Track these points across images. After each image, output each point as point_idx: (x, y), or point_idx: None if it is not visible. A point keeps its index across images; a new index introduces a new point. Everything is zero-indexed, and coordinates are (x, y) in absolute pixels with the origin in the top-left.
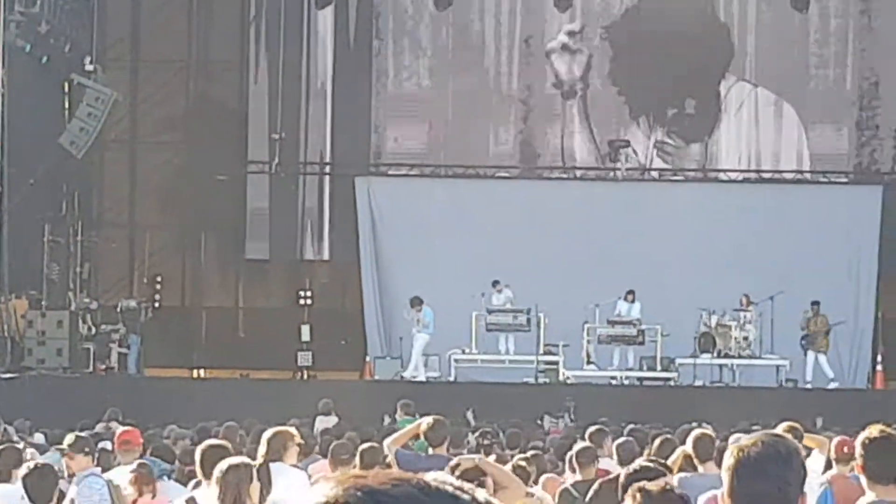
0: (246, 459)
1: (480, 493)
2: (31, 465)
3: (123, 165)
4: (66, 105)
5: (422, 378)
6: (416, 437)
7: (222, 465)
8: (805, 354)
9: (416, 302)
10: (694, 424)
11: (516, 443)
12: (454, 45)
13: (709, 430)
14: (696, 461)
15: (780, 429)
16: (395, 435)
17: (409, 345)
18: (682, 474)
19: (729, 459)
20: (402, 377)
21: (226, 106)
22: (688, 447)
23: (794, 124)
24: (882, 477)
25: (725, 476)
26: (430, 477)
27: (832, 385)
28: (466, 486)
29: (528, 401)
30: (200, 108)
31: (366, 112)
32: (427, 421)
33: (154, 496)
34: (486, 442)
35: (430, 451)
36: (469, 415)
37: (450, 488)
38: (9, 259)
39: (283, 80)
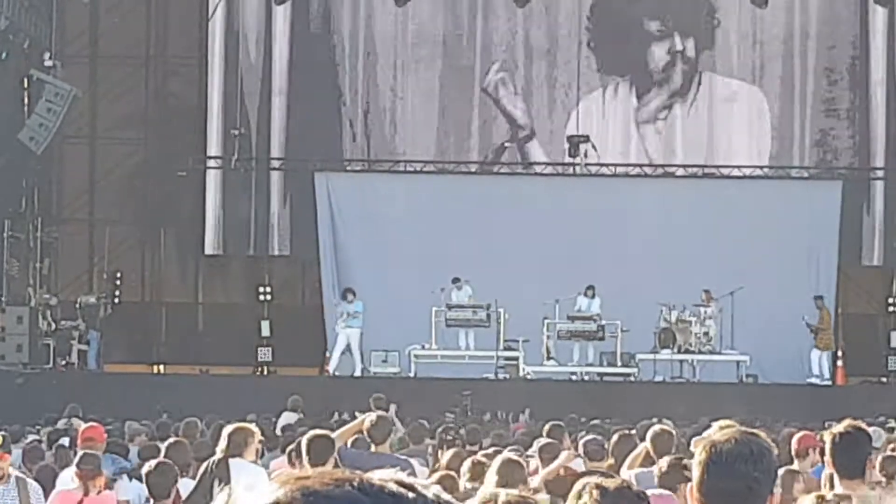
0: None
1: (432, 490)
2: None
3: (83, 161)
4: (26, 101)
5: (334, 369)
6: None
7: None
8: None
9: (350, 293)
10: (654, 420)
11: (476, 439)
12: (413, 39)
13: (668, 426)
14: (654, 457)
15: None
16: (338, 432)
17: (370, 340)
18: (641, 469)
19: (700, 455)
20: (362, 372)
21: (185, 101)
22: (647, 443)
23: (753, 119)
24: (849, 471)
25: (696, 471)
26: (375, 476)
27: (822, 382)
28: (417, 482)
29: (488, 396)
30: (160, 104)
31: (325, 107)
32: (370, 418)
33: (100, 492)
34: (447, 437)
35: (373, 448)
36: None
37: (394, 487)
38: None
39: (243, 75)
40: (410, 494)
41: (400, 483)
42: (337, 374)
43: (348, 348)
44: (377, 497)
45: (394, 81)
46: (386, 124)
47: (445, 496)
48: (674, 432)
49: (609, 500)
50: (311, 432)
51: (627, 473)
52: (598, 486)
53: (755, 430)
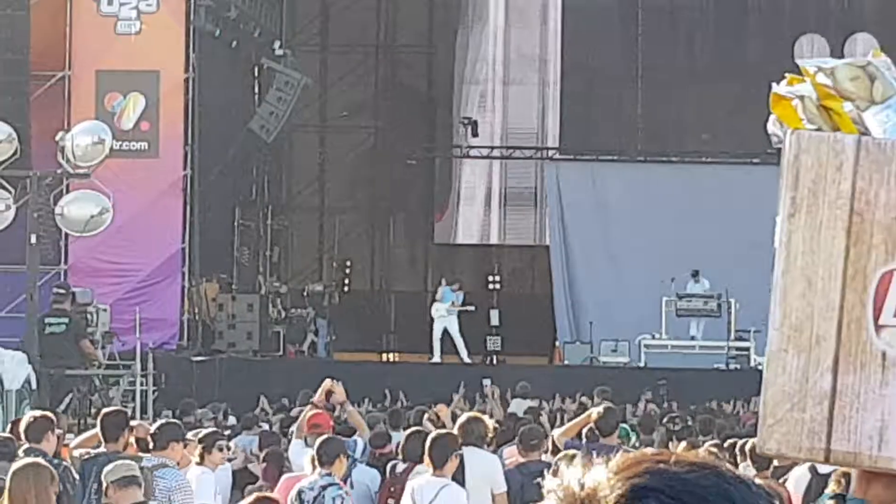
0: None
1: (778, 492)
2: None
3: (313, 150)
4: (256, 90)
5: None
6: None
7: None
8: None
9: (442, 283)
10: None
11: (709, 429)
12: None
13: None
14: None
15: None
16: (565, 426)
17: (600, 330)
18: None
19: None
20: (591, 362)
21: (415, 89)
22: None
23: None
24: None
25: None
26: (729, 468)
27: None
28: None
29: (719, 387)
30: (389, 92)
31: (551, 95)
32: (597, 410)
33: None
34: (675, 428)
35: (601, 440)
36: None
37: (752, 484)
38: (200, 243)
39: (470, 62)
40: (765, 494)
41: (753, 482)
42: (567, 362)
43: (447, 335)
44: (744, 493)
45: (625, 66)
46: (612, 112)
47: None
48: None
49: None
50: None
51: None
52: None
53: None
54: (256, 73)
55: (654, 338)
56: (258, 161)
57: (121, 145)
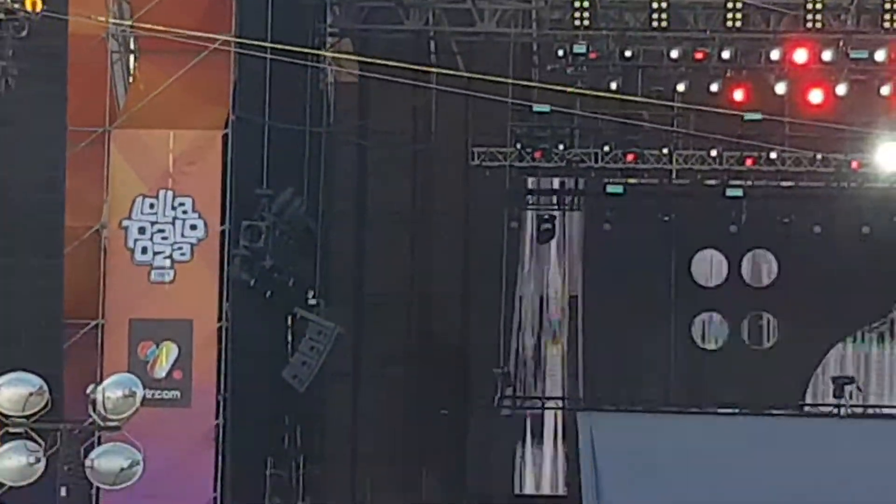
0: None
1: None
2: None
3: (346, 399)
4: (290, 339)
5: None
6: None
7: None
8: None
9: None
10: None
11: None
12: None
13: None
14: None
15: None
16: None
17: None
18: None
19: None
20: None
21: (447, 339)
22: None
23: None
24: None
25: None
26: None
27: None
28: None
29: None
30: (422, 342)
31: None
32: None
33: None
34: None
35: None
36: None
37: None
38: (232, 493)
39: (505, 309)
40: None
41: None
42: None
43: None
44: None
45: None
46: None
47: None
48: None
49: None
50: None
51: None
52: None
53: None
54: (290, 323)
55: None
56: (290, 411)
57: (153, 394)
